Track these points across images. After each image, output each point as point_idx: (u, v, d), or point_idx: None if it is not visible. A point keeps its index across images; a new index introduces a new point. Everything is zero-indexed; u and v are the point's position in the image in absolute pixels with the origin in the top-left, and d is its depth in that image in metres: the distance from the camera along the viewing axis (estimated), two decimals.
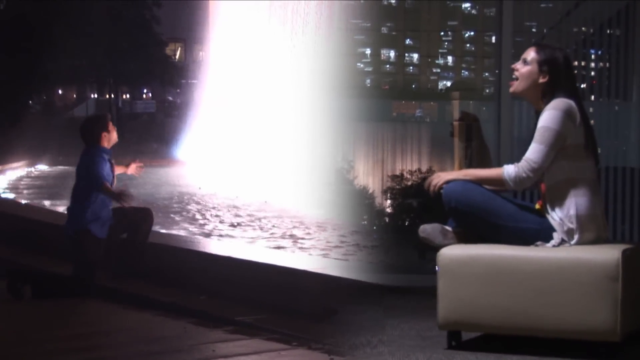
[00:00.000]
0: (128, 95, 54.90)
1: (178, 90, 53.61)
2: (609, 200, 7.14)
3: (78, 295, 7.27)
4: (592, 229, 4.45)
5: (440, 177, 4.59)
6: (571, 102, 4.46)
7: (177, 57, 57.25)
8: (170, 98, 54.91)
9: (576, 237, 4.42)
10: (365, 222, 12.34)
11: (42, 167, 28.90)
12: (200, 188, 19.67)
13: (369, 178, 17.31)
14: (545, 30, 7.62)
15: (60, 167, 27.41)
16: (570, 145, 4.44)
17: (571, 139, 4.44)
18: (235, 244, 10.53)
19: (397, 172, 14.23)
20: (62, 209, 13.36)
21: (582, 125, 4.48)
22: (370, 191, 15.47)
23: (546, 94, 4.54)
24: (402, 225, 10.25)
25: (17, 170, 26.15)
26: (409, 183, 12.43)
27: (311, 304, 6.23)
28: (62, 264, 7.87)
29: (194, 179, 22.54)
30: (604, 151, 7.41)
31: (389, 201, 12.72)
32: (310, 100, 26.16)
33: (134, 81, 49.36)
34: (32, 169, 28.01)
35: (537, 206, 4.60)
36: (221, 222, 13.56)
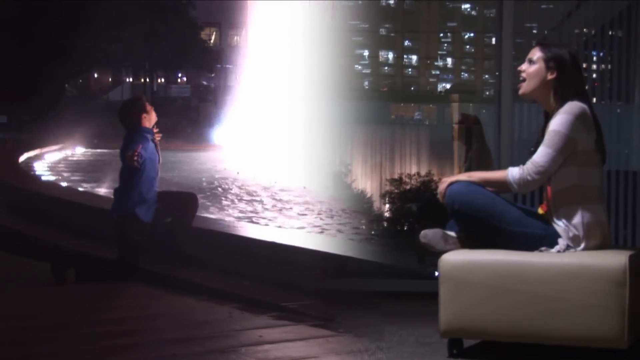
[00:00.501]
0: (163, 80, 55.65)
1: (213, 75, 54.31)
2: (611, 205, 7.15)
3: (122, 279, 7.44)
4: (597, 236, 4.44)
5: (443, 182, 4.60)
6: (585, 107, 4.45)
7: (212, 41, 57.58)
8: (205, 83, 55.38)
9: (582, 244, 4.40)
10: (364, 226, 12.32)
11: (80, 150, 29.15)
12: (238, 173, 19.98)
13: (367, 182, 17.28)
14: (546, 32, 7.64)
15: (98, 150, 27.94)
16: (581, 151, 4.43)
17: (582, 145, 4.42)
18: (279, 230, 10.69)
19: (396, 176, 14.20)
20: (102, 192, 14.01)
21: (593, 129, 4.47)
22: (369, 195, 15.44)
23: (557, 92, 4.52)
24: (401, 229, 10.23)
25: (55, 154, 26.28)
26: (408, 187, 12.41)
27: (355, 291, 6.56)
28: (105, 247, 8.09)
29: (231, 163, 22.87)
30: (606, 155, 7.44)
31: (387, 205, 12.71)
32: (307, 102, 26.14)
33: (169, 65, 50.21)
34: (70, 152, 28.17)
35: (540, 211, 4.59)
36: (264, 206, 14.01)
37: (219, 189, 16.67)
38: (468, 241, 4.55)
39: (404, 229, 10.63)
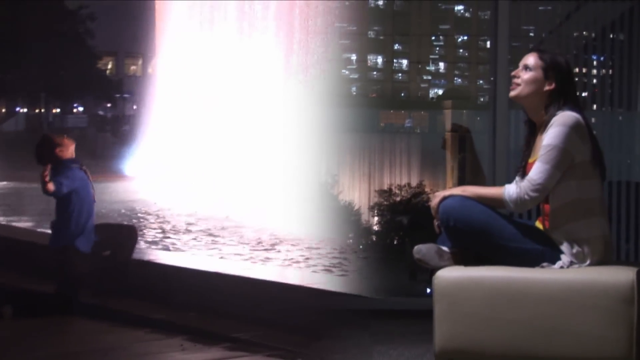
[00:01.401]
0: (59, 110, 56.99)
1: (109, 105, 56.97)
2: (613, 218, 7.15)
3: (61, 313, 7.56)
4: (601, 251, 4.43)
5: (436, 197, 4.55)
6: (578, 117, 4.43)
7: (108, 70, 59.81)
8: (101, 112, 57.52)
9: (587, 260, 4.39)
10: (351, 240, 12.31)
11: None
12: (155, 203, 19.81)
13: (354, 193, 17.28)
14: (543, 35, 7.64)
15: (2, 183, 27.54)
16: (579, 164, 4.41)
17: (579, 157, 4.41)
18: (219, 260, 10.78)
19: (385, 187, 14.19)
20: (22, 225, 13.83)
21: (588, 140, 4.47)
22: (356, 207, 15.43)
23: (551, 104, 4.51)
24: (390, 244, 10.23)
25: None
26: (398, 199, 12.40)
27: (307, 320, 6.53)
28: (41, 282, 8.17)
29: (148, 194, 22.64)
30: (606, 165, 7.43)
31: (376, 218, 12.70)
32: (291, 110, 26.15)
33: (67, 95, 51.63)
34: None
35: (540, 225, 4.57)
36: (194, 238, 13.56)
37: (146, 219, 16.44)
38: (462, 257, 4.52)
39: (393, 243, 10.62)
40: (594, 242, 4.39)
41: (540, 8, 7.61)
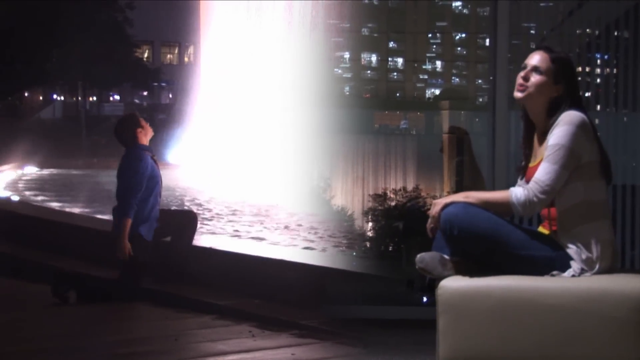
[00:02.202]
0: (95, 98, 59.98)
1: (145, 93, 60.31)
2: (617, 223, 7.16)
3: (124, 299, 8.08)
4: (609, 257, 4.43)
5: (438, 204, 4.48)
6: (584, 116, 4.45)
7: (145, 59, 62.76)
8: (137, 101, 60.95)
9: (596, 266, 4.39)
10: (344, 247, 12.32)
11: (32, 170, 29.95)
12: (203, 191, 20.94)
13: (347, 198, 17.29)
14: (545, 32, 7.66)
15: (53, 170, 29.46)
16: (585, 164, 4.42)
17: (586, 157, 4.42)
18: (277, 247, 11.40)
19: (380, 191, 14.18)
20: (77, 211, 15.04)
21: (594, 140, 4.48)
22: (350, 212, 15.44)
23: (556, 108, 4.52)
24: (385, 250, 10.22)
25: (7, 173, 26.77)
26: (393, 203, 12.38)
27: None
28: (102, 268, 8.78)
29: (192, 182, 23.25)
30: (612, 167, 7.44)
31: (370, 224, 12.70)
32: (281, 111, 26.15)
33: (105, 83, 54.44)
34: (21, 172, 28.71)
35: (544, 230, 4.56)
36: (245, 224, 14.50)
37: (195, 208, 16.82)
38: (464, 266, 4.49)
39: (388, 250, 10.62)
40: (603, 246, 4.40)
41: (541, 4, 7.62)
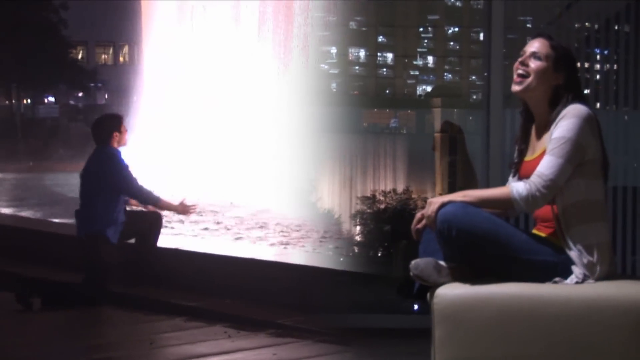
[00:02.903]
0: (29, 101, 60.98)
1: (81, 94, 61.48)
2: (617, 226, 7.17)
3: (90, 303, 8.22)
4: (608, 261, 4.40)
5: (433, 204, 4.37)
6: (589, 110, 4.44)
7: (79, 59, 64.56)
8: (72, 102, 62.34)
9: (597, 270, 4.36)
10: (331, 252, 12.32)
11: None
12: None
13: (334, 200, 17.28)
14: (542, 26, 7.67)
15: None
16: (589, 161, 4.39)
17: (590, 153, 4.39)
18: (243, 245, 11.84)
19: (369, 193, 14.19)
20: (24, 214, 15.33)
21: (598, 136, 4.46)
22: (337, 216, 15.45)
23: (558, 100, 4.49)
24: (374, 255, 10.24)
25: None
26: (383, 206, 12.40)
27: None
28: (64, 272, 8.96)
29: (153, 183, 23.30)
30: (611, 168, 7.44)
31: (358, 227, 12.70)
32: (264, 109, 26.11)
33: (41, 85, 55.83)
34: None
35: (541, 234, 4.53)
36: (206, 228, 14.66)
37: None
38: (460, 272, 4.38)
39: (378, 255, 10.63)
40: (603, 249, 4.38)
41: None
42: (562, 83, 4.49)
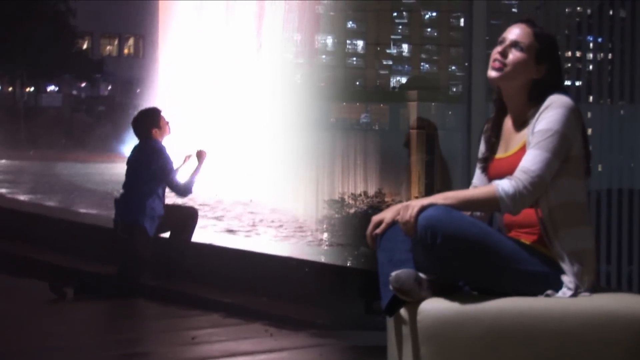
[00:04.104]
0: (32, 89, 64.58)
1: (83, 85, 66.47)
2: (612, 233, 7.17)
3: (123, 295, 8.99)
4: (594, 269, 4.40)
5: (412, 207, 4.25)
6: (573, 101, 4.41)
7: (85, 49, 68.98)
8: (75, 92, 66.35)
9: (586, 280, 4.34)
10: (294, 262, 12.31)
11: None
12: None
13: (298, 204, 17.26)
14: (529, 11, 7.67)
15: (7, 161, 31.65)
16: (573, 157, 4.37)
17: (575, 149, 4.37)
18: (274, 243, 12.45)
19: (337, 196, 14.19)
20: (52, 204, 16.27)
21: (583, 131, 4.45)
22: (300, 221, 15.44)
23: (537, 95, 4.46)
24: (342, 266, 10.24)
25: None
26: (352, 211, 12.41)
27: None
28: (96, 264, 9.95)
29: None
30: (605, 168, 7.44)
31: (325, 235, 12.70)
32: (216, 101, 26.08)
33: (48, 74, 60.35)
34: None
35: (525, 241, 4.49)
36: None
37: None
38: (439, 285, 4.28)
39: (346, 265, 10.62)
40: (588, 256, 4.37)
41: None
42: (543, 76, 4.46)
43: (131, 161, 9.80)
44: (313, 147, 19.92)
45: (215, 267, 9.37)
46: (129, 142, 10.51)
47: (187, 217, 9.75)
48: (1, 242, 12.01)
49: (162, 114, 9.88)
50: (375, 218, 4.46)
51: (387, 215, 4.42)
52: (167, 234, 9.74)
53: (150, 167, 9.53)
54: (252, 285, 8.82)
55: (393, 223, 4.38)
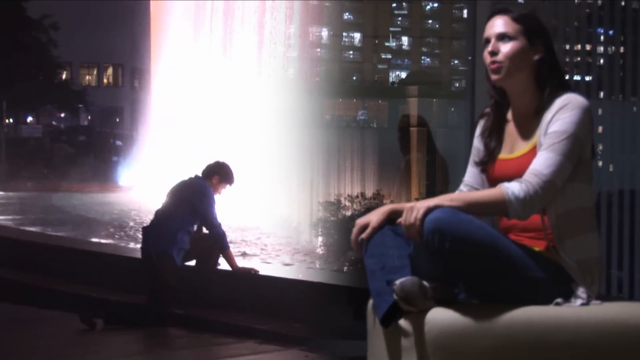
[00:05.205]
0: (11, 120, 67.60)
1: (62, 115, 70.50)
2: (624, 238, 7.16)
3: (153, 324, 9.33)
4: (599, 278, 4.42)
5: (417, 209, 4.19)
6: (587, 101, 4.39)
7: (65, 79, 71.69)
8: (54, 123, 70.02)
9: (595, 288, 4.34)
10: (289, 266, 12.33)
11: None
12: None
13: (292, 206, 17.29)
14: (536, 2, 7.68)
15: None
16: (583, 161, 4.36)
17: (587, 152, 4.37)
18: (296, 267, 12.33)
19: (332, 198, 14.21)
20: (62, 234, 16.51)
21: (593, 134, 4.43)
22: (295, 224, 15.48)
23: (544, 79, 4.43)
24: (339, 271, 10.26)
25: None
26: (349, 213, 12.43)
27: None
28: (129, 294, 10.26)
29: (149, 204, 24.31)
30: (617, 168, 7.42)
31: (320, 238, 12.72)
32: (207, 97, 26.10)
33: (30, 106, 63.57)
34: None
35: (535, 247, 4.48)
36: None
37: None
38: (443, 293, 4.21)
39: (343, 270, 10.63)
40: (598, 264, 4.38)
41: None
42: (544, 54, 4.44)
43: (176, 192, 10.22)
44: (307, 146, 19.90)
45: (239, 292, 9.79)
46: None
47: (211, 245, 10.06)
48: (23, 274, 12.50)
49: (232, 175, 10.41)
50: (360, 221, 4.41)
51: (372, 218, 4.38)
52: (192, 262, 10.14)
53: (193, 200, 9.98)
54: (284, 310, 9.10)
55: (380, 227, 4.35)
